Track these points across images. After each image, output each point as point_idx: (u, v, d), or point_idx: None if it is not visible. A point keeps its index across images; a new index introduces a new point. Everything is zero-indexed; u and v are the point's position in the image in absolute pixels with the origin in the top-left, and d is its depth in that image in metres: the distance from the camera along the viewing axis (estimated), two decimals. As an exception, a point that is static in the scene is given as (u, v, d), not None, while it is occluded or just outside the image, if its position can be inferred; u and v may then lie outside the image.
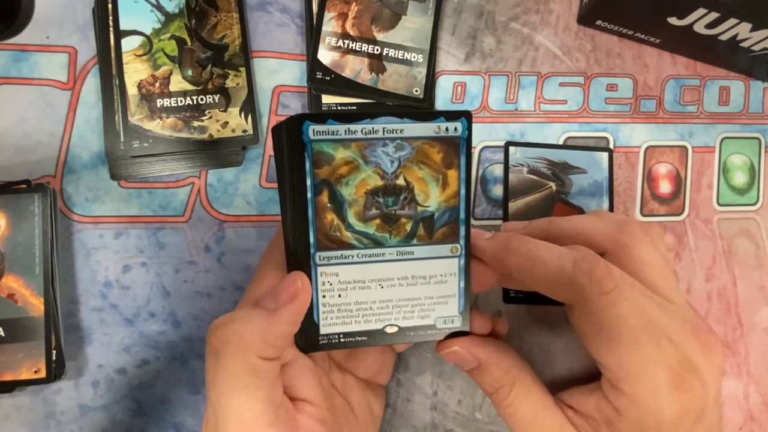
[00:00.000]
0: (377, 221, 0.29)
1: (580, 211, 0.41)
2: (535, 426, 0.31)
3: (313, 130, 0.28)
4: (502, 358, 0.32)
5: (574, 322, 0.30)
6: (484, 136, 0.42)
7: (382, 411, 0.37)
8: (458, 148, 0.29)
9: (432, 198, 0.29)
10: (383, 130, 0.28)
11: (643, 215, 0.43)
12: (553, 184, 0.41)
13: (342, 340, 0.30)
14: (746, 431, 0.43)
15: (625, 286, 0.29)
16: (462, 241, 0.30)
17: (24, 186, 0.36)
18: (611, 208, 0.41)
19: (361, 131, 0.28)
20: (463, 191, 0.30)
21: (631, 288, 0.29)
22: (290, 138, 0.28)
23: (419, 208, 0.29)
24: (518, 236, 0.31)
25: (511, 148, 0.40)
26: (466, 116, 0.29)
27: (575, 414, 0.31)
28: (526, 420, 0.31)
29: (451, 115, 0.29)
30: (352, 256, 0.29)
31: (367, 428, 0.35)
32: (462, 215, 0.30)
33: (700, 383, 0.28)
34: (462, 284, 0.31)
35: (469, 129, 0.29)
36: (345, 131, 0.28)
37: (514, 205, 0.40)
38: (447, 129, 0.29)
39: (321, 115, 0.28)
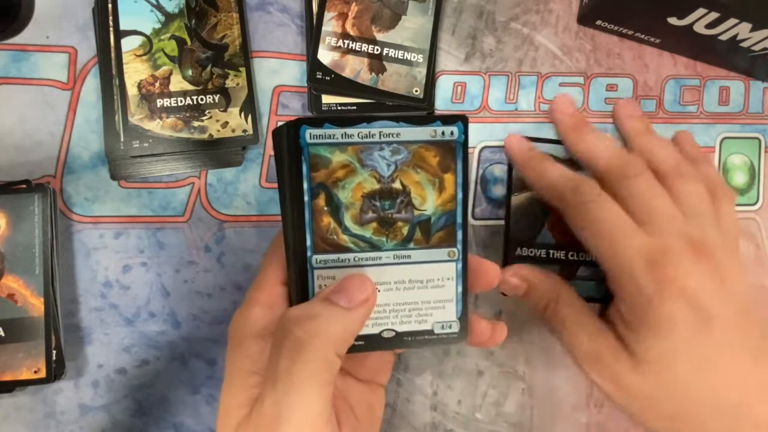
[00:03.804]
0: (374, 225, 0.29)
1: None
2: (583, 331, 0.36)
3: (310, 134, 0.28)
4: (546, 278, 0.38)
5: (569, 222, 0.37)
6: (484, 136, 0.42)
7: (382, 410, 0.37)
8: (455, 152, 0.29)
9: (429, 202, 0.29)
10: (380, 134, 0.28)
11: (643, 215, 0.43)
12: None
13: None
14: (746, 431, 0.43)
15: (604, 199, 0.36)
16: (459, 245, 0.30)
17: (24, 186, 0.36)
18: None
19: (358, 135, 0.28)
20: (459, 195, 0.30)
21: (609, 200, 0.36)
22: (288, 142, 0.28)
23: (416, 212, 0.29)
24: (539, 155, 0.40)
25: None
26: (463, 120, 0.29)
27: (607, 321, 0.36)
28: (575, 326, 0.36)
29: (447, 119, 0.29)
30: (349, 260, 0.29)
31: (367, 428, 0.35)
32: (459, 219, 0.30)
33: (675, 267, 0.33)
34: (459, 289, 0.30)
35: (466, 133, 0.29)
36: (342, 135, 0.28)
37: (517, 198, 0.40)
38: (443, 133, 0.29)
39: (318, 119, 0.28)
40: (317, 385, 0.27)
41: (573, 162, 0.40)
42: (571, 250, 0.40)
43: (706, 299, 0.33)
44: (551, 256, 0.40)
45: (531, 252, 0.40)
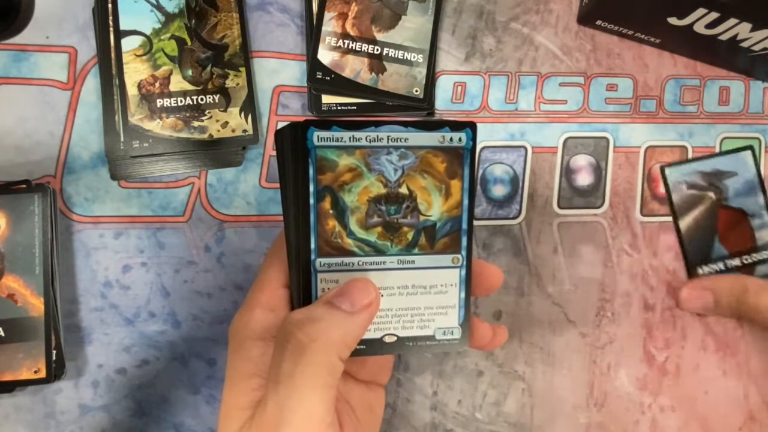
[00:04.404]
0: (379, 229, 0.29)
1: (742, 213, 0.43)
2: None
3: (318, 136, 0.28)
4: (725, 276, 0.41)
5: None
6: (485, 136, 0.42)
7: (382, 410, 0.37)
8: (462, 158, 0.29)
9: (434, 207, 0.29)
10: (387, 138, 0.28)
11: (643, 215, 0.43)
12: (711, 193, 0.42)
13: None
14: (746, 431, 0.43)
15: None
16: (463, 252, 0.30)
17: (24, 186, 0.36)
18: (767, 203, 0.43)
19: (366, 139, 0.28)
20: (465, 202, 0.30)
21: None
22: (294, 143, 0.28)
23: (421, 218, 0.29)
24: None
25: (667, 170, 0.43)
26: (471, 127, 0.29)
27: None
28: None
29: (455, 126, 0.29)
30: (353, 264, 0.29)
31: (368, 428, 0.35)
32: (464, 226, 0.30)
33: None
34: (462, 295, 0.30)
35: (474, 140, 0.29)
36: (349, 138, 0.28)
37: (684, 223, 0.42)
38: (451, 139, 0.29)
39: (326, 122, 0.28)
40: (320, 388, 0.27)
41: (715, 174, 0.43)
42: (745, 254, 0.42)
43: None
44: (728, 266, 0.42)
45: (710, 268, 0.42)
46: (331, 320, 0.27)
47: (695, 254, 0.43)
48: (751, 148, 0.43)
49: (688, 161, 0.43)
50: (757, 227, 0.43)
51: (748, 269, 0.42)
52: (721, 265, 0.42)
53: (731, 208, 0.43)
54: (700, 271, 0.42)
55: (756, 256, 0.43)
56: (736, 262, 0.42)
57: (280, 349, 0.27)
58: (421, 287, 0.30)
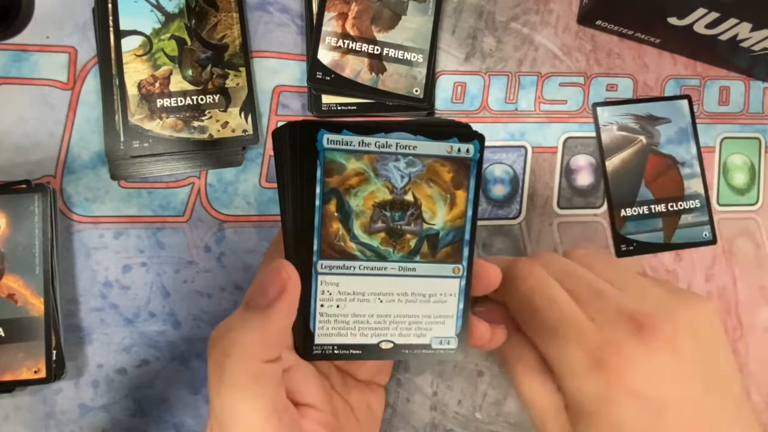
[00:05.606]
0: (382, 234, 0.29)
1: (672, 160, 0.43)
2: (533, 397, 0.33)
3: (328, 138, 0.28)
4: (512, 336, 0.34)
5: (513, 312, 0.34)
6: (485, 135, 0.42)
7: (382, 410, 0.37)
8: (469, 169, 0.29)
9: (438, 216, 0.29)
10: (396, 145, 0.29)
11: (643, 215, 0.43)
12: (642, 137, 0.43)
13: (336, 351, 0.30)
14: (746, 431, 0.43)
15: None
16: (464, 262, 0.30)
17: (24, 186, 0.36)
18: (699, 153, 0.43)
19: (375, 144, 0.28)
20: (469, 212, 0.30)
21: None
22: (302, 144, 0.28)
23: (425, 226, 0.29)
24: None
25: (599, 109, 0.42)
26: (480, 139, 0.29)
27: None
28: (526, 391, 0.33)
29: (464, 137, 0.29)
30: (354, 268, 0.29)
31: (368, 428, 0.35)
32: (467, 236, 0.30)
33: (619, 361, 0.29)
34: (461, 306, 0.30)
35: (481, 152, 0.29)
36: (359, 143, 0.28)
37: (611, 163, 0.42)
38: (459, 150, 0.29)
39: (336, 125, 0.28)
40: (249, 400, 0.26)
41: (649, 119, 0.43)
42: (672, 202, 0.43)
43: (656, 386, 0.29)
44: (653, 211, 0.42)
45: (634, 211, 0.42)
46: (243, 326, 0.27)
47: (619, 196, 0.42)
48: (687, 97, 0.43)
49: (621, 102, 0.43)
50: (687, 176, 0.43)
51: (673, 216, 0.43)
52: (645, 209, 0.42)
53: (661, 154, 0.43)
54: (623, 213, 0.42)
55: (683, 205, 0.43)
56: (661, 207, 0.42)
57: (208, 366, 0.27)
58: (420, 295, 0.30)
